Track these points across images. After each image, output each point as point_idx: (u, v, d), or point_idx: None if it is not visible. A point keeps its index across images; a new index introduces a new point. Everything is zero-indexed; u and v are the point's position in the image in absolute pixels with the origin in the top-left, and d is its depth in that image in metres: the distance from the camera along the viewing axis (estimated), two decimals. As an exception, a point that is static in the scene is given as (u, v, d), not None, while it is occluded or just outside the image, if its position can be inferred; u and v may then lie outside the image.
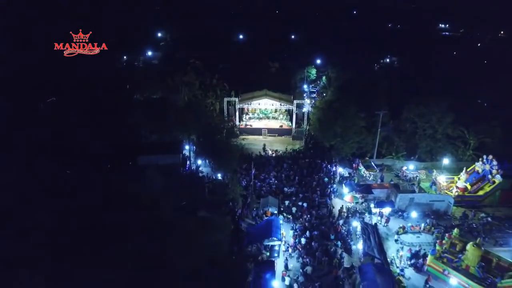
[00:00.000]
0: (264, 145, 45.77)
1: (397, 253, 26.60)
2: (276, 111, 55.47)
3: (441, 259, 25.11)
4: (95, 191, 22.44)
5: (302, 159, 41.34)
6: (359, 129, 40.52)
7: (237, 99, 51.49)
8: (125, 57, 72.77)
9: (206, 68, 53.13)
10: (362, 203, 33.21)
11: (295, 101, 51.07)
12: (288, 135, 51.37)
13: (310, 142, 47.53)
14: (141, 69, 65.66)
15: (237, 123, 51.62)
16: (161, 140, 39.83)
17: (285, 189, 34.86)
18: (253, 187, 34.63)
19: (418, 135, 42.34)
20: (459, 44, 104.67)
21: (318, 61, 78.23)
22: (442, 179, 36.53)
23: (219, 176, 36.35)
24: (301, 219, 30.10)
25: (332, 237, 27.68)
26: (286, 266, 24.73)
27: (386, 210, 31.25)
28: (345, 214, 31.14)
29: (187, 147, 40.27)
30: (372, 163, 39.98)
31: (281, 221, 28.86)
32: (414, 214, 30.85)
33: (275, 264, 24.21)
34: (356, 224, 29.06)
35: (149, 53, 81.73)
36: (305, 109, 52.00)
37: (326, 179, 36.48)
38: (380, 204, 31.65)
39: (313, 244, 26.62)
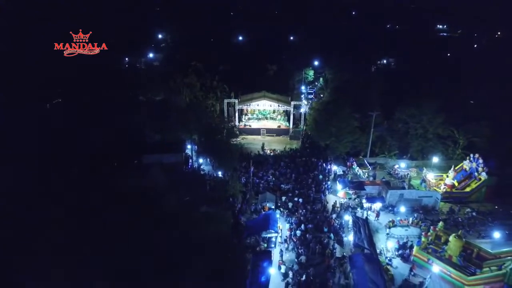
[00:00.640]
0: (263, 144, 47.57)
1: (385, 243, 28.52)
2: (274, 112, 57.18)
3: (427, 249, 27.03)
4: (105, 186, 24.10)
5: (299, 158, 43.16)
6: (353, 129, 42.48)
7: (236, 101, 53.27)
8: (126, 58, 73.85)
9: (206, 69, 54.50)
10: (354, 199, 35.10)
11: (292, 102, 52.85)
12: (286, 135, 53.11)
13: (306, 141, 49.39)
14: (144, 71, 67.07)
15: (237, 123, 53.34)
16: (164, 139, 41.32)
17: (282, 186, 36.72)
18: (252, 184, 36.35)
19: (410, 135, 44.21)
20: (456, 45, 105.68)
21: (316, 63, 79.82)
22: (430, 176, 38.46)
23: (220, 173, 37.93)
24: (296, 214, 31.88)
25: (326, 229, 29.54)
26: (282, 256, 26.67)
27: (377, 205, 33.19)
28: (338, 209, 33.02)
29: (189, 146, 42.06)
30: (365, 161, 41.92)
31: (278, 215, 30.57)
32: (402, 209, 32.75)
33: (272, 254, 26.11)
34: (348, 218, 31.02)
35: (150, 54, 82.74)
36: (302, 110, 53.88)
37: (320, 176, 38.35)
38: (371, 199, 33.58)
39: (307, 236, 28.48)
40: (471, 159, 37.86)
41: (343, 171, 40.33)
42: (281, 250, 27.42)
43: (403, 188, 36.33)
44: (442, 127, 43.11)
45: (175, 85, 51.00)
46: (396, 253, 27.99)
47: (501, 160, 37.85)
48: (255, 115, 57.60)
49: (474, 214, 33.49)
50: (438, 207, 34.64)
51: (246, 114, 57.44)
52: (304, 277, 24.09)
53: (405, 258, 27.47)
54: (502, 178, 36.04)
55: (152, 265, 18.93)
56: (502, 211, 33.92)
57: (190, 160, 41.13)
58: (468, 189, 36.67)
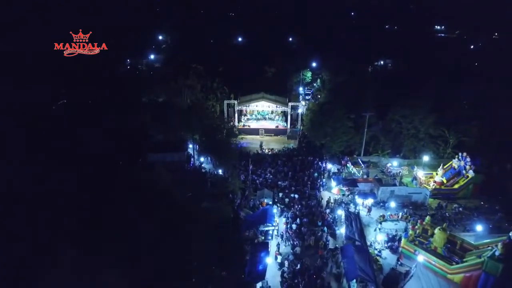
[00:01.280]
0: (261, 143, 49.29)
1: (375, 236, 30.44)
2: (272, 112, 58.76)
3: (414, 242, 28.90)
4: (119, 181, 25.80)
5: (296, 157, 44.96)
6: (347, 129, 44.19)
7: (236, 102, 54.92)
8: (128, 60, 74.81)
9: (207, 71, 55.78)
10: (348, 195, 37.01)
11: (289, 104, 54.64)
12: (283, 134, 54.85)
13: (303, 141, 51.15)
14: (146, 72, 68.62)
15: (236, 123, 55.08)
16: (167, 139, 42.75)
17: (279, 183, 38.54)
18: (250, 181, 38.06)
19: (403, 135, 45.88)
20: (452, 46, 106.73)
21: (314, 64, 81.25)
22: (421, 174, 40.36)
23: (220, 171, 39.63)
24: (292, 209, 33.73)
25: (319, 223, 31.47)
26: (278, 247, 28.57)
27: (369, 201, 35.09)
28: (332, 205, 34.95)
29: (190, 145, 43.57)
30: (359, 160, 43.72)
31: (275, 210, 32.45)
32: (393, 204, 34.63)
33: (269, 245, 28.01)
34: (340, 212, 32.94)
35: (152, 56, 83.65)
36: (299, 111, 55.76)
37: (316, 174, 40.24)
38: (363, 195, 35.48)
39: (302, 229, 30.40)
40: (460, 157, 39.67)
41: (337, 169, 42.17)
42: (278, 243, 29.32)
43: (394, 185, 38.19)
44: (433, 127, 44.52)
45: (176, 87, 52.83)
46: (386, 245, 29.89)
47: (488, 159, 39.77)
48: (254, 116, 59.09)
49: (461, 209, 35.32)
50: (427, 203, 36.49)
51: (245, 115, 58.94)
52: (298, 266, 26.00)
53: (393, 250, 29.37)
54: (488, 175, 37.98)
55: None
56: (487, 206, 35.66)
57: (192, 159, 42.77)
58: (456, 186, 38.44)
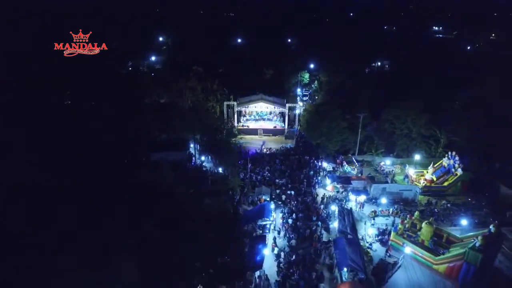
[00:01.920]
0: (264, 143, 50.71)
1: (365, 228, 32.33)
2: (270, 113, 60.41)
3: (403, 235, 30.72)
4: (124, 179, 27.46)
5: (293, 156, 46.70)
6: (342, 129, 46.02)
7: (235, 103, 56.48)
8: (130, 62, 75.95)
9: (207, 72, 57.42)
10: (342, 192, 38.83)
11: (287, 105, 56.35)
12: (281, 134, 56.40)
13: (300, 141, 53.00)
14: (147, 74, 70.16)
15: (236, 124, 56.77)
16: (169, 139, 44.47)
17: (277, 180, 40.28)
18: (249, 179, 39.65)
19: (396, 135, 47.68)
20: (449, 46, 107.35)
21: (312, 66, 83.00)
22: (412, 172, 42.20)
23: (220, 170, 41.32)
24: (289, 204, 35.48)
25: (314, 218, 33.27)
26: (275, 241, 30.41)
27: (362, 197, 36.90)
28: (326, 201, 36.77)
29: (192, 145, 45.16)
30: (353, 159, 45.50)
31: (272, 206, 34.11)
32: (384, 200, 36.47)
33: (267, 238, 29.80)
34: (334, 208, 34.77)
35: (153, 58, 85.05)
36: (297, 111, 57.58)
37: (311, 172, 42.05)
38: (357, 192, 37.27)
39: (298, 224, 32.17)
40: (449, 156, 41.52)
41: (333, 168, 43.97)
42: (275, 236, 31.16)
43: (386, 182, 40.00)
44: (425, 127, 46.15)
45: (177, 88, 54.60)
46: (376, 238, 31.72)
47: (477, 158, 41.57)
48: (252, 116, 60.68)
49: (449, 205, 37.13)
50: (418, 199, 38.31)
51: (244, 116, 60.50)
52: (294, 257, 27.83)
53: (383, 243, 31.12)
54: (476, 174, 39.84)
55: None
56: (474, 203, 37.46)
57: (193, 158, 44.35)
58: (445, 184, 40.20)
